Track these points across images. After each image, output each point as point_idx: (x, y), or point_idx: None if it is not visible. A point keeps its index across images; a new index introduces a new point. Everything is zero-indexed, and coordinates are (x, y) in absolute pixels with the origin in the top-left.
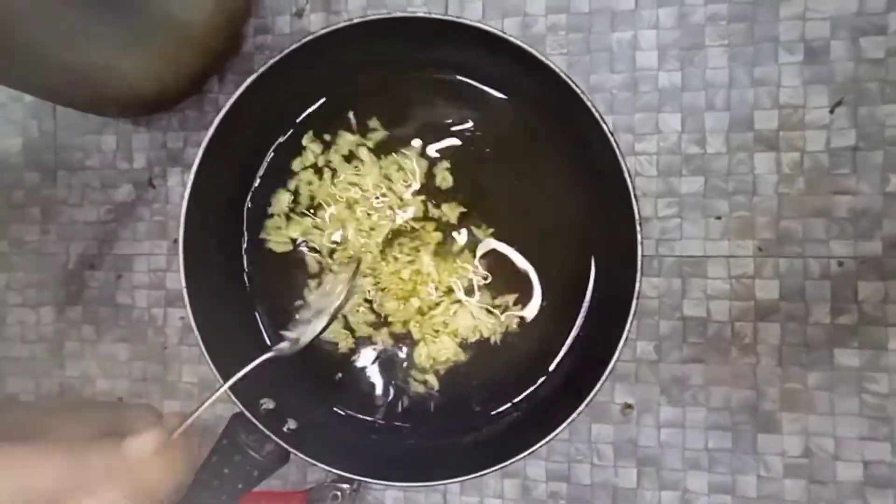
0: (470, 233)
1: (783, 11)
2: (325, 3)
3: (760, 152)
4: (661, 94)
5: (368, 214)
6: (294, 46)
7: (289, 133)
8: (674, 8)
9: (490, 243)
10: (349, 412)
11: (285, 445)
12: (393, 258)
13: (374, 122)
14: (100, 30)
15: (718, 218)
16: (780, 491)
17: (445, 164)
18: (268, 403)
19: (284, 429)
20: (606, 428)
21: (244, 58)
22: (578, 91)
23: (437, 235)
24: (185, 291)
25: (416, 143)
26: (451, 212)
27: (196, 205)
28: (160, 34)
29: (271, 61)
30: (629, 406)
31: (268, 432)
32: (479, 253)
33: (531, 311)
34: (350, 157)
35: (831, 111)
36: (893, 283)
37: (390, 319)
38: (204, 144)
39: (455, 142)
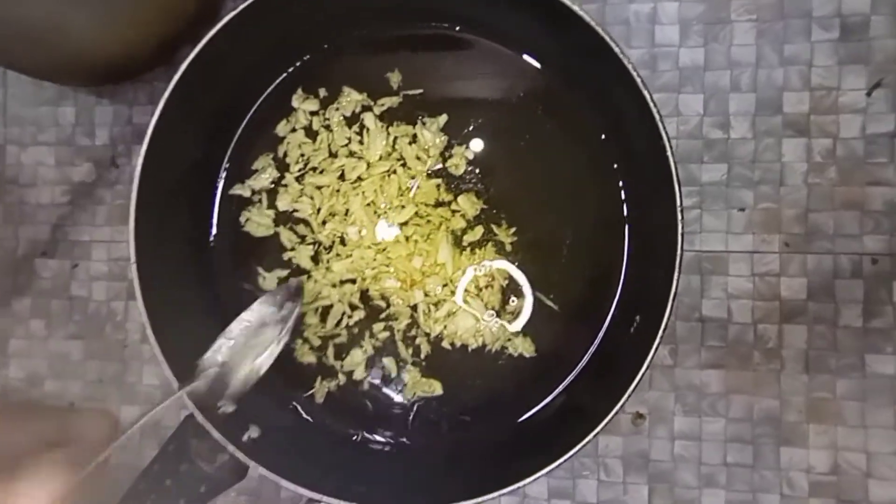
0: (487, 228)
1: None
2: None
3: (789, 138)
4: (682, 73)
5: (376, 192)
6: None
7: (269, 93)
8: None
9: (503, 265)
10: (324, 422)
11: (242, 457)
12: (406, 240)
13: (385, 83)
14: None
15: (742, 210)
16: None
17: (464, 145)
18: (227, 406)
19: (244, 437)
20: (615, 440)
21: None
22: (614, 47)
23: (460, 223)
24: (136, 282)
25: (435, 118)
26: (468, 205)
27: (153, 181)
28: None
29: (243, 5)
30: (641, 416)
31: (223, 440)
32: (493, 267)
33: (525, 314)
34: (352, 121)
35: (869, 94)
36: None
37: (381, 316)
38: (161, 104)
39: (478, 119)
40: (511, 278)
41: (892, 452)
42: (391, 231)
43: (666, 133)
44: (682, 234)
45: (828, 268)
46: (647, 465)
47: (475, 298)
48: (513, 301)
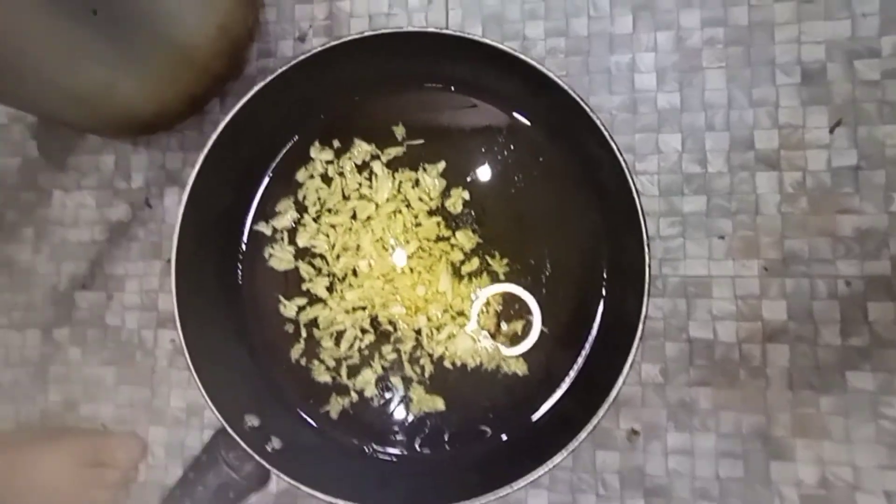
0: (482, 260)
1: (778, 35)
2: (327, 29)
3: (762, 171)
4: (661, 115)
5: (384, 229)
6: (296, 61)
7: (290, 146)
8: (671, 32)
9: (501, 287)
10: (338, 434)
11: (266, 464)
12: (410, 271)
13: (391, 135)
14: (100, 50)
15: (722, 238)
16: None
17: (461, 187)
18: (252, 420)
19: (268, 448)
20: (612, 455)
21: (246, 81)
22: (586, 108)
23: (458, 255)
24: (175, 310)
25: (435, 164)
26: (465, 240)
27: (191, 221)
28: (161, 57)
29: (272, 76)
30: (635, 432)
31: (249, 450)
32: (490, 292)
33: (530, 341)
34: (363, 168)
35: (831, 131)
36: None
37: (392, 338)
38: (201, 159)
39: (472, 165)
40: (505, 303)
41: (877, 466)
42: (403, 256)
43: (632, 177)
44: (650, 263)
45: (805, 290)
46: (643, 479)
47: (483, 318)
48: (508, 324)
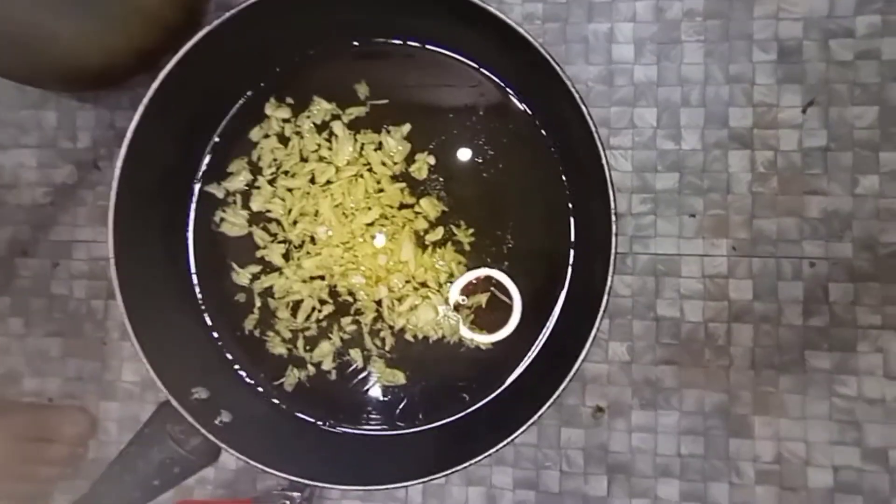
0: (448, 230)
1: (757, 10)
2: None
3: (735, 150)
4: (637, 89)
5: (344, 194)
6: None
7: (243, 101)
8: (651, 2)
9: (482, 272)
10: (293, 409)
11: (214, 439)
12: (370, 238)
13: (353, 93)
14: None
15: (693, 216)
16: (751, 498)
17: (426, 151)
18: (200, 392)
19: (217, 421)
20: (577, 432)
21: None
22: (560, 72)
23: (422, 224)
24: (115, 278)
25: (399, 126)
26: (430, 208)
27: (131, 180)
28: (106, 1)
29: (220, 19)
30: (601, 409)
31: (195, 423)
32: (470, 277)
33: (510, 327)
34: (322, 128)
35: (804, 111)
36: (863, 285)
37: (352, 309)
38: (140, 110)
39: (439, 129)
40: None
41: (827, 441)
42: (382, 240)
43: (601, 143)
44: (616, 235)
45: (771, 270)
46: (606, 456)
47: (436, 294)
48: (472, 297)
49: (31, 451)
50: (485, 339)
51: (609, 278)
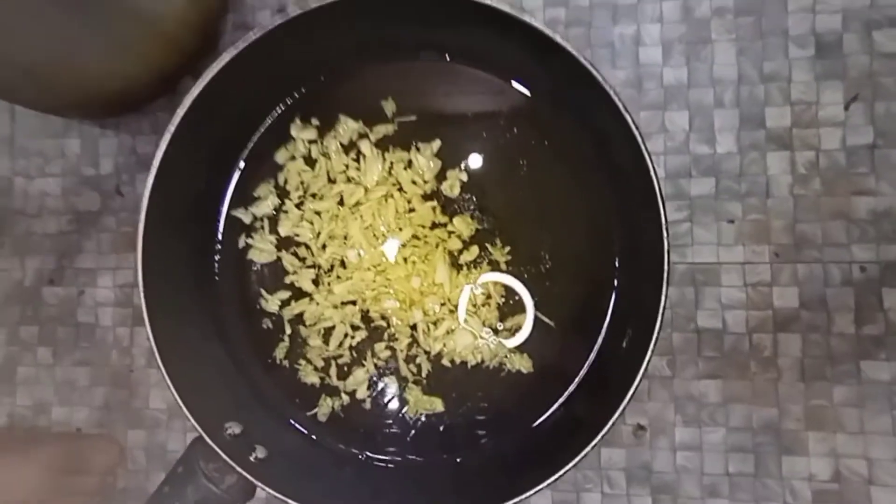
0: (483, 249)
1: (791, 4)
2: None
3: (773, 151)
4: (667, 92)
5: (374, 215)
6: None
7: (268, 124)
8: (678, 1)
9: (498, 277)
10: (327, 440)
11: (250, 477)
12: (404, 261)
13: (380, 111)
14: (56, 21)
15: (731, 222)
16: None
17: (458, 168)
18: (233, 428)
19: (251, 458)
20: (617, 452)
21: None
22: (597, 76)
23: (456, 244)
24: (144, 307)
25: (429, 143)
26: (464, 227)
27: (159, 208)
28: (125, 28)
29: (245, 43)
30: (642, 427)
31: (230, 461)
32: (487, 280)
33: (525, 332)
34: (349, 148)
35: (846, 107)
36: None
37: (386, 335)
38: (166, 138)
39: (471, 144)
40: (507, 296)
41: (892, 459)
42: (396, 245)
43: (648, 153)
44: (669, 250)
45: (818, 276)
46: (649, 476)
47: (473, 316)
48: (510, 319)
49: (63, 482)
50: (508, 344)
51: (663, 298)
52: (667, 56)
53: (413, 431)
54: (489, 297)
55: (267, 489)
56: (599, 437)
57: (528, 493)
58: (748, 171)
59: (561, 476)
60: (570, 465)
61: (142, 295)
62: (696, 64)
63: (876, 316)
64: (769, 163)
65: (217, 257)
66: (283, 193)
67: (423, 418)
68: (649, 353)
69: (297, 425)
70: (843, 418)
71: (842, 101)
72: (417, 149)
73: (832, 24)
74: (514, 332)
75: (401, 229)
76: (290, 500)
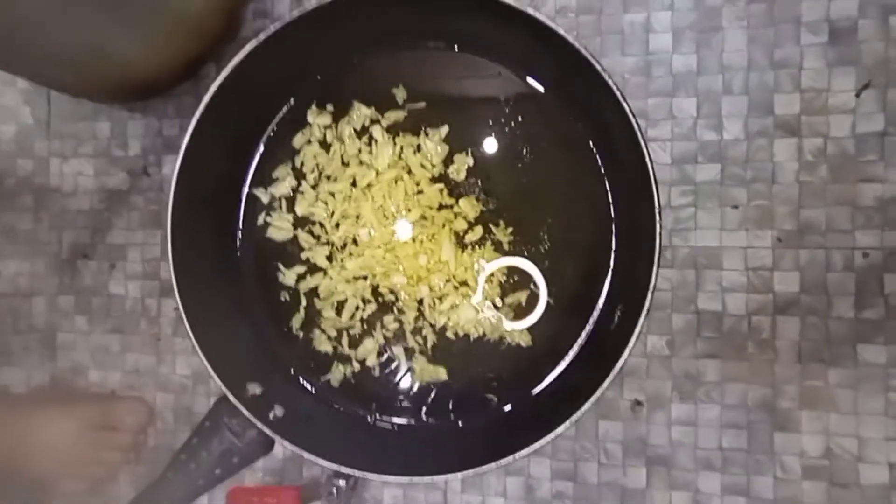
0: (487, 229)
1: None
2: None
3: (781, 138)
4: (676, 79)
5: (384, 197)
6: (291, 18)
7: (286, 109)
8: None
9: (503, 261)
10: (339, 403)
11: (269, 432)
12: (412, 240)
13: (392, 98)
14: (90, 10)
15: (735, 207)
16: (798, 493)
17: (464, 153)
18: (255, 388)
19: (270, 416)
20: (615, 425)
21: (241, 43)
22: (597, 66)
23: (461, 224)
24: (174, 281)
25: (437, 129)
26: (469, 208)
27: (186, 189)
28: (153, 16)
29: (266, 34)
30: (639, 403)
31: (252, 417)
32: (497, 265)
33: (536, 315)
34: (362, 133)
35: (858, 94)
36: None
37: (394, 308)
38: (193, 124)
39: (477, 130)
40: (508, 273)
41: (883, 438)
42: (408, 228)
43: (645, 141)
44: (660, 232)
45: (820, 262)
46: (645, 449)
47: (483, 294)
48: (510, 295)
49: (99, 438)
50: (517, 326)
51: (653, 277)
52: (677, 43)
53: (419, 397)
54: (492, 275)
55: (285, 443)
56: (591, 401)
57: (524, 451)
58: (755, 157)
59: (552, 438)
60: (564, 425)
61: (171, 268)
62: (706, 51)
63: (876, 300)
64: (776, 149)
65: (238, 234)
66: (299, 175)
67: (427, 386)
68: (639, 326)
69: (311, 389)
70: (837, 399)
71: (853, 89)
72: (426, 134)
73: (848, 10)
74: (514, 307)
75: (409, 210)
76: (305, 453)
